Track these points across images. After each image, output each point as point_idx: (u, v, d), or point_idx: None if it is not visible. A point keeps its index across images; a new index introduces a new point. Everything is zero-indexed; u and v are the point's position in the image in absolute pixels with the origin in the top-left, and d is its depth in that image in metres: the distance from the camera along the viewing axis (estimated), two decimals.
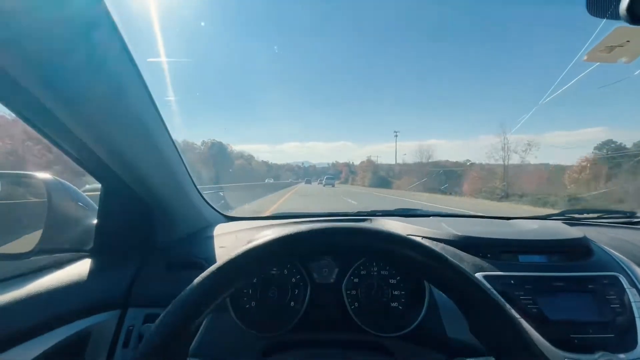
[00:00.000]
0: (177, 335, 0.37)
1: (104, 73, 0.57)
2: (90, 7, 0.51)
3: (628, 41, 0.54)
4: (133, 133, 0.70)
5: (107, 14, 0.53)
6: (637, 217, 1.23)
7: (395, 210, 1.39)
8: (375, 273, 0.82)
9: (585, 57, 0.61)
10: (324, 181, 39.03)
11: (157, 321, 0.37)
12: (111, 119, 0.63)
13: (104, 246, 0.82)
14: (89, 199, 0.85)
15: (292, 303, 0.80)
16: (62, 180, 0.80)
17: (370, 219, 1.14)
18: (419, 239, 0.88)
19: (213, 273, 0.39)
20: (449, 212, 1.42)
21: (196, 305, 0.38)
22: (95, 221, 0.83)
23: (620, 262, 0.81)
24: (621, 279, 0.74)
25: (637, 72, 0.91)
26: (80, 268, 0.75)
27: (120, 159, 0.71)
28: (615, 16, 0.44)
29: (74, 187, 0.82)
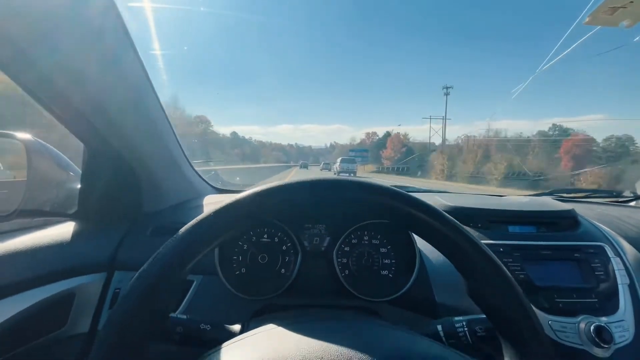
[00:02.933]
0: (155, 288, 0.35)
1: (91, 29, 0.54)
2: None
3: (632, 1, 0.52)
4: (121, 93, 0.67)
5: None
6: (624, 196, 1.26)
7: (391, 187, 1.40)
8: (366, 242, 0.82)
9: (586, 20, 0.60)
10: (338, 166, 23.88)
11: (135, 275, 0.35)
12: (99, 75, 0.60)
13: (88, 211, 0.80)
14: (71, 163, 0.82)
15: (282, 270, 0.79)
16: (42, 141, 0.77)
17: None
18: None
19: (197, 224, 0.38)
20: (441, 190, 1.43)
21: (175, 260, 0.36)
22: (78, 185, 0.80)
23: (606, 234, 0.82)
24: (606, 249, 0.75)
25: (637, 39, 0.90)
26: (64, 230, 0.73)
27: (107, 119, 0.67)
28: None
29: (54, 148, 0.78)
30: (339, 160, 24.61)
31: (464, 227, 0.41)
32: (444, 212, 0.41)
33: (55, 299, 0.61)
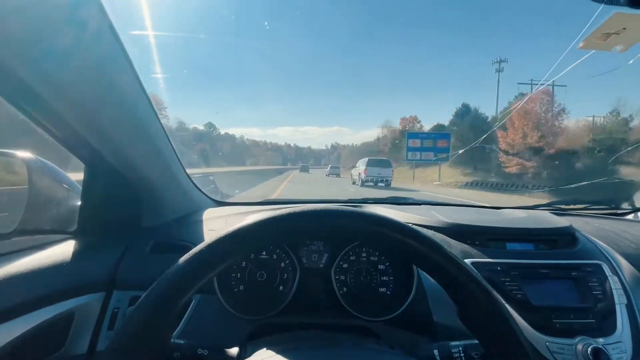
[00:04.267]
0: (159, 315, 0.36)
1: (86, 48, 0.54)
2: None
3: (624, 28, 0.53)
4: (118, 111, 0.67)
5: None
6: (621, 209, 1.26)
7: (387, 198, 1.41)
8: (364, 258, 0.83)
9: (580, 45, 0.61)
10: (363, 171, 14.43)
11: (139, 301, 0.36)
12: (95, 97, 0.60)
13: (88, 228, 0.81)
14: (72, 180, 0.83)
15: (280, 287, 0.80)
16: (44, 160, 0.77)
17: (362, 206, 1.14)
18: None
19: (200, 252, 0.38)
20: (441, 201, 1.43)
21: (179, 286, 0.37)
22: (78, 202, 0.81)
23: (603, 251, 0.82)
24: (604, 267, 0.76)
25: (631, 61, 0.91)
26: (64, 249, 0.73)
27: (104, 138, 0.68)
28: (615, 1, 0.43)
29: (56, 166, 0.79)
30: (362, 162, 14.82)
31: (453, 254, 0.41)
32: (435, 241, 0.41)
33: (54, 321, 0.61)
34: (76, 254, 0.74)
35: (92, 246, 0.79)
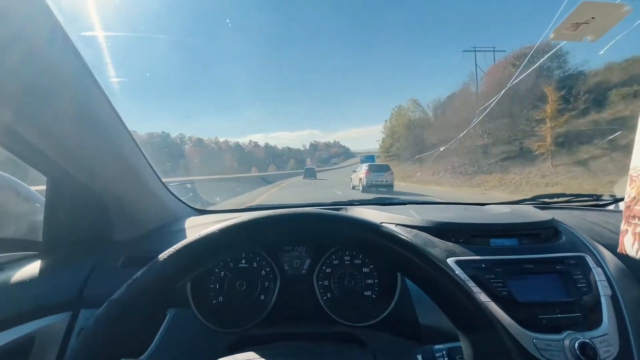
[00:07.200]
0: (114, 331, 0.32)
1: (33, 55, 0.50)
2: None
3: (593, 18, 0.53)
4: (77, 121, 0.62)
5: None
6: (603, 200, 1.28)
7: (373, 199, 1.40)
8: (347, 262, 0.80)
9: (551, 36, 0.60)
10: (363, 174, 13.14)
11: (98, 312, 0.33)
12: (48, 107, 0.56)
13: (53, 244, 0.76)
14: (35, 192, 0.78)
15: (261, 296, 0.76)
16: (2, 173, 0.73)
17: (346, 208, 1.12)
18: (392, 226, 0.87)
19: (169, 257, 0.36)
20: (426, 200, 1.42)
21: (143, 295, 0.34)
22: (42, 217, 0.76)
23: (586, 243, 0.82)
24: (587, 259, 0.75)
25: (601, 52, 0.92)
26: (27, 268, 0.68)
27: (64, 150, 0.63)
28: None
29: (16, 179, 0.74)
30: (362, 167, 13.89)
31: (432, 256, 0.39)
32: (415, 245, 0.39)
33: (10, 347, 0.56)
34: (40, 272, 0.69)
35: (58, 263, 0.74)
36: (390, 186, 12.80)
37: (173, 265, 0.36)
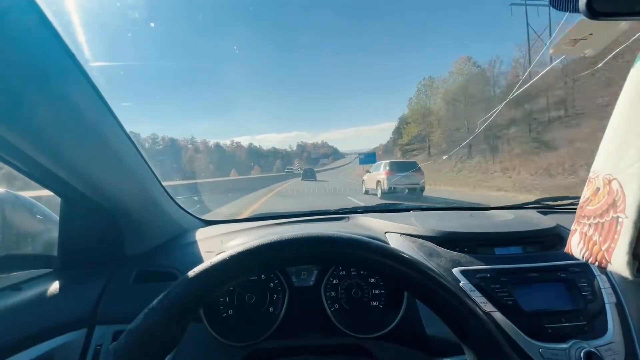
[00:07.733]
0: (146, 346, 0.34)
1: (47, 82, 0.52)
2: (25, 14, 0.46)
3: (591, 34, 0.54)
4: (88, 144, 0.64)
5: (46, 21, 0.48)
6: None
7: (376, 205, 1.41)
8: (354, 272, 0.82)
9: (551, 51, 0.62)
10: (384, 174, 9.54)
11: (125, 331, 0.34)
12: (61, 131, 0.57)
13: (68, 262, 0.78)
14: (48, 211, 0.80)
15: (270, 309, 0.78)
16: (16, 193, 0.74)
17: (348, 217, 1.14)
18: (397, 236, 0.89)
19: (194, 277, 0.37)
20: (429, 205, 1.43)
21: (170, 313, 0.36)
22: (56, 235, 0.78)
23: None
24: (591, 266, 0.76)
25: (600, 65, 0.93)
26: (43, 287, 0.70)
27: (72, 169, 0.65)
28: (576, 10, 0.44)
29: (30, 198, 0.76)
30: (381, 165, 10.63)
31: (433, 272, 0.40)
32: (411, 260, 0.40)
33: None
34: (55, 291, 0.71)
35: (73, 281, 0.76)
36: (420, 189, 9.99)
37: (186, 295, 0.37)
